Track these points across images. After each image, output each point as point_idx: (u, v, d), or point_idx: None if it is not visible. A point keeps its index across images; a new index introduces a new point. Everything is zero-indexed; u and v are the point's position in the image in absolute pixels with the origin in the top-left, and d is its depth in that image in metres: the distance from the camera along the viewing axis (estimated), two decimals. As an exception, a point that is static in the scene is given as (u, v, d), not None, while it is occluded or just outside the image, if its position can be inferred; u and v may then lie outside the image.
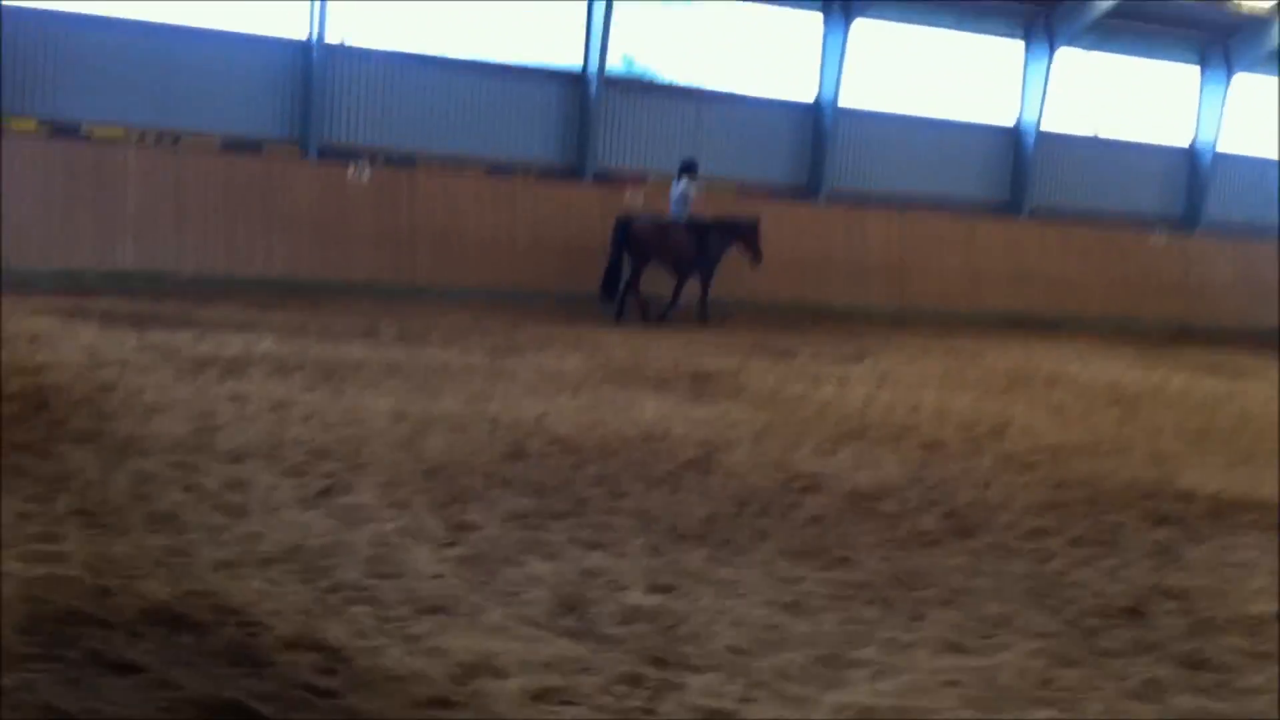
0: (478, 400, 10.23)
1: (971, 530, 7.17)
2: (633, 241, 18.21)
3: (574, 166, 22.43)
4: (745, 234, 18.96)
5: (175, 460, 7.37)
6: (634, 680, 4.61)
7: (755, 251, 18.95)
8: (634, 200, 20.58)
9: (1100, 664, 5.12)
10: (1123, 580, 6.34)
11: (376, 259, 18.91)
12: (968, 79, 25.75)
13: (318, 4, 20.17)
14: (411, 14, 21.37)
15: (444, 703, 4.33)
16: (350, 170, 19.14)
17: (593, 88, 22.25)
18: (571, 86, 22.47)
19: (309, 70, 20.25)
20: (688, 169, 19.06)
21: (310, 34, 20.28)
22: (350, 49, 20.85)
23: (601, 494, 7.40)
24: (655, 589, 5.70)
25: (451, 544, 6.19)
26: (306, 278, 18.07)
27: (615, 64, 22.99)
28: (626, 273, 18.27)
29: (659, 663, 4.81)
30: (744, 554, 6.38)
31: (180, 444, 7.81)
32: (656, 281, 18.55)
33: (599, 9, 22.08)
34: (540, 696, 4.43)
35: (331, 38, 20.52)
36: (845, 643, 5.18)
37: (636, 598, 5.56)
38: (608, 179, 22.19)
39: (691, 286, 18.84)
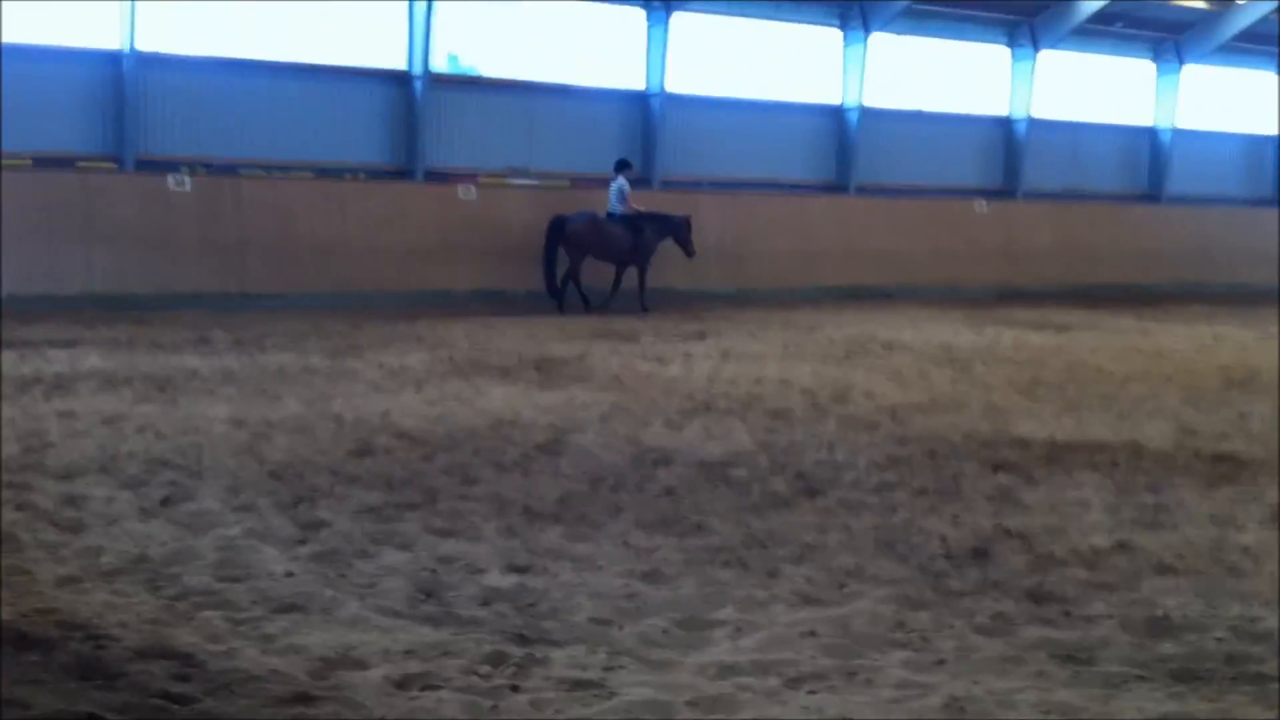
0: (320, 401, 10.05)
1: (820, 489, 7.32)
2: (569, 239, 19.01)
3: (404, 167, 22.17)
4: (677, 229, 19.92)
5: (5, 480, 7.07)
6: (497, 659, 4.59)
7: (687, 246, 19.95)
8: (466, 196, 20.44)
9: (949, 604, 5.28)
10: (967, 525, 6.55)
11: (205, 269, 18.38)
12: (790, 65, 26.22)
13: (128, 12, 19.52)
14: (227, 18, 20.83)
15: (305, 699, 4.25)
16: (170, 180, 18.58)
17: (418, 87, 22.03)
18: (397, 86, 22.19)
19: (121, 81, 19.58)
20: (622, 167, 20.03)
21: (121, 44, 19.61)
22: (164, 57, 20.22)
23: (453, 482, 7.35)
24: (513, 569, 5.69)
25: (302, 542, 6.08)
26: (132, 292, 17.45)
27: (440, 63, 22.80)
28: (562, 269, 19.07)
29: (521, 640, 4.80)
30: (600, 529, 6.41)
31: (8, 464, 7.49)
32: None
33: (420, 8, 21.86)
34: (403, 684, 4.38)
35: (144, 46, 19.88)
36: (704, 605, 5.24)
37: (495, 579, 5.54)
38: (439, 178, 21.98)
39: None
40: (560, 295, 18.99)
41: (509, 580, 5.52)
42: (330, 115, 21.52)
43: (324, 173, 21.19)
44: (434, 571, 5.62)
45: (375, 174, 21.82)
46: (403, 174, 22.05)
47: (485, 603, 5.24)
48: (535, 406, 10.02)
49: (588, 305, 19.08)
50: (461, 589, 5.40)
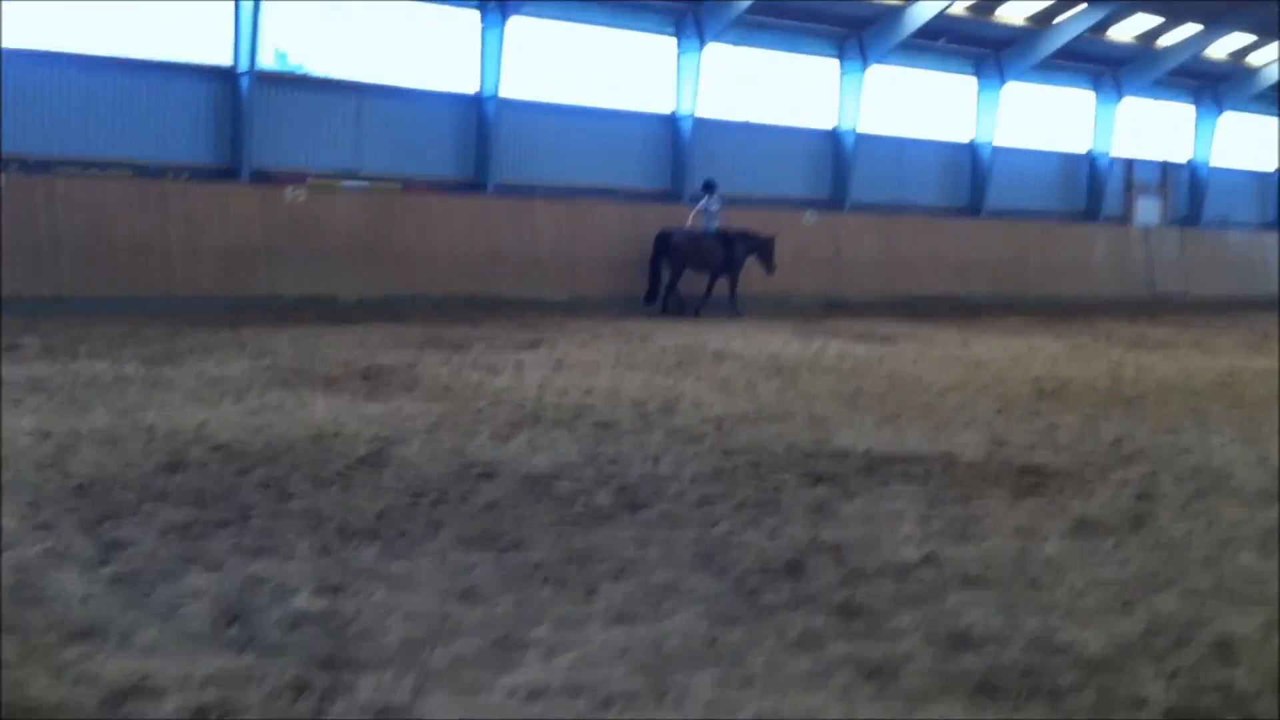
0: (133, 411, 9.70)
1: (643, 503, 7.34)
2: (672, 251, 21.26)
3: (229, 166, 21.60)
4: (762, 247, 22.09)
5: None
6: (301, 687, 4.47)
7: (770, 263, 22.15)
8: (294, 198, 19.97)
9: (762, 620, 5.33)
10: (783, 538, 6.63)
11: (16, 272, 17.59)
12: (626, 73, 26.40)
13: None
14: (41, 10, 20.01)
15: (94, 730, 4.08)
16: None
17: (244, 83, 21.48)
18: (222, 83, 21.63)
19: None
20: (709, 187, 22.12)
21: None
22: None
23: (267, 498, 7.15)
24: (324, 590, 5.55)
25: (104, 563, 5.84)
26: (-63, 296, 16.61)
27: (267, 59, 22.29)
28: (666, 277, 21.32)
29: (328, 665, 4.69)
30: (418, 546, 6.30)
31: None
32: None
33: (246, 4, 21.32)
34: (199, 713, 4.23)
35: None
36: (519, 625, 5.19)
37: (304, 601, 5.40)
38: (267, 179, 21.47)
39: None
40: (665, 301, 21.12)
41: (320, 602, 5.38)
42: (151, 112, 20.89)
43: (144, 171, 20.52)
44: (240, 594, 5.46)
45: (199, 173, 21.23)
46: (228, 173, 21.49)
47: (293, 626, 5.09)
48: (360, 417, 9.84)
49: (665, 308, 21.08)
50: (269, 612, 5.24)
